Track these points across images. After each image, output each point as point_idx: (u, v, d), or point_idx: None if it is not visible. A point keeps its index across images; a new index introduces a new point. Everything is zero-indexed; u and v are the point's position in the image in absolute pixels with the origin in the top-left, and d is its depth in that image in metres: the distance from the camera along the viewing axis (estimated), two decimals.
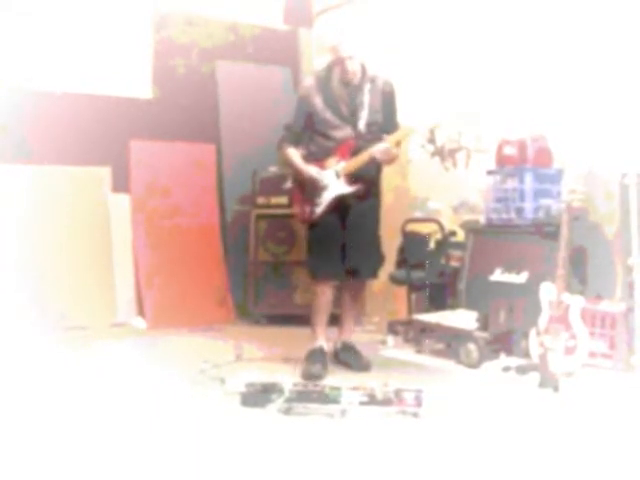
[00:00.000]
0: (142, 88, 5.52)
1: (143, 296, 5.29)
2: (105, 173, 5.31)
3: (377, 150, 3.62)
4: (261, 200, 5.39)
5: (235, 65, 5.94)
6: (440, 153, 4.57)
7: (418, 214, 5.06)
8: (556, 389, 3.26)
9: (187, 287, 5.38)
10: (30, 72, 5.02)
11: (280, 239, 5.31)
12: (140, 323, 5.21)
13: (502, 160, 4.35)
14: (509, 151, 4.31)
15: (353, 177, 3.70)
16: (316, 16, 6.20)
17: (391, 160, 3.73)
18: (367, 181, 3.75)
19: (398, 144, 3.72)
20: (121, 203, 5.36)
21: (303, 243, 5.19)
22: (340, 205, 3.74)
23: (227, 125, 5.85)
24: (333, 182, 3.70)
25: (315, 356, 3.74)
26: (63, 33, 5.12)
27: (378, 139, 3.68)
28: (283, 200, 5.28)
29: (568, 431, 2.77)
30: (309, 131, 3.80)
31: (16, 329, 4.60)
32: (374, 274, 3.96)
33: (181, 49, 5.70)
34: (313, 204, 3.74)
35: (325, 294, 3.81)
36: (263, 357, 3.98)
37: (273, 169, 5.40)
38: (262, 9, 6.08)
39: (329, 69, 3.74)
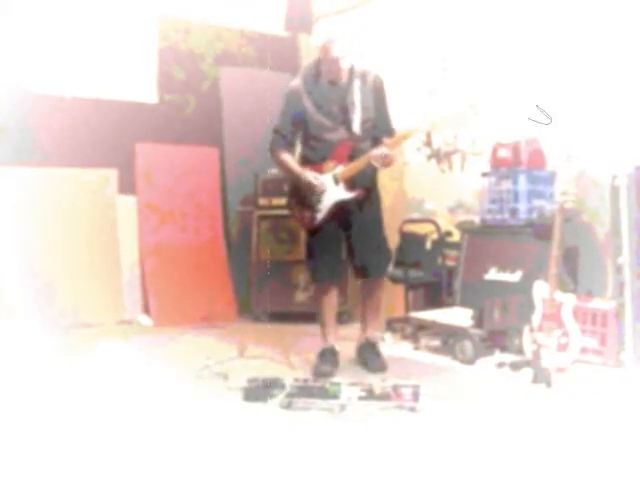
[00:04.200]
0: (148, 93, 5.52)
1: (149, 294, 5.29)
2: (112, 175, 5.31)
3: (374, 156, 3.45)
4: (263, 201, 5.39)
5: (238, 70, 5.94)
6: (436, 156, 4.58)
7: (415, 215, 5.06)
8: (549, 384, 3.26)
9: (191, 286, 5.38)
10: (40, 77, 5.02)
11: (281, 239, 5.31)
12: (146, 321, 5.21)
13: (496, 162, 4.35)
14: (503, 154, 4.31)
15: (352, 181, 3.55)
16: (316, 22, 6.20)
17: (388, 164, 3.53)
18: (366, 184, 3.62)
19: (397, 146, 3.57)
20: (127, 204, 5.36)
21: (303, 243, 5.22)
22: (340, 210, 3.60)
23: (230, 129, 5.85)
24: (332, 187, 3.55)
25: (326, 355, 3.68)
26: (72, 39, 5.12)
27: (372, 139, 3.54)
28: (284, 201, 5.26)
29: (560, 425, 2.77)
30: (301, 133, 3.64)
31: (24, 327, 4.60)
32: (382, 272, 3.86)
33: (185, 55, 5.70)
34: (313, 210, 3.60)
35: (328, 295, 3.75)
36: (265, 353, 3.97)
37: (274, 171, 5.39)
38: (263, 16, 6.08)
39: (315, 69, 3.54)
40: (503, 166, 4.29)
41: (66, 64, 5.12)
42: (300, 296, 5.25)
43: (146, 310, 5.30)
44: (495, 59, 4.65)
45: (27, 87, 4.97)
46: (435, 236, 4.75)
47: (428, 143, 4.22)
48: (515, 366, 3.58)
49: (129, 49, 5.41)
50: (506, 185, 4.21)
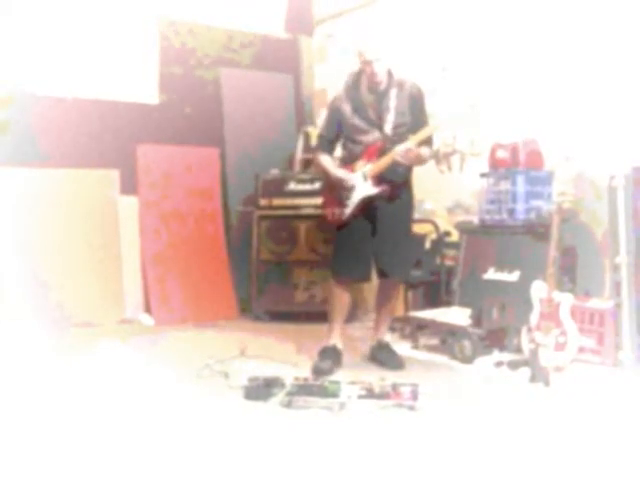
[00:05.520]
0: (149, 94, 5.52)
1: (150, 294, 5.29)
2: (114, 176, 5.31)
3: (397, 151, 3.51)
4: (263, 201, 5.38)
5: (238, 72, 5.94)
6: (435, 156, 4.57)
7: (414, 215, 5.05)
8: (547, 383, 3.26)
9: (192, 285, 5.39)
10: (41, 78, 5.03)
11: (281, 239, 5.31)
12: (147, 320, 5.22)
13: (495, 163, 4.35)
14: (502, 154, 4.32)
15: (381, 179, 3.61)
16: (316, 25, 6.20)
17: (415, 160, 3.59)
18: (395, 182, 3.65)
19: (425, 143, 3.60)
20: (129, 204, 5.36)
21: (304, 243, 5.23)
22: (368, 207, 3.65)
23: (231, 129, 5.85)
24: (360, 184, 3.62)
25: (327, 353, 3.71)
26: (73, 40, 5.12)
27: (405, 140, 3.57)
28: (285, 202, 5.28)
29: (558, 424, 2.77)
30: (342, 138, 3.77)
31: (25, 326, 4.60)
32: (400, 274, 3.86)
33: (186, 57, 5.70)
34: (342, 206, 3.67)
35: (344, 294, 3.75)
36: (265, 352, 3.97)
37: (275, 172, 5.40)
38: (264, 18, 6.08)
39: (357, 76, 3.69)
40: (501, 167, 4.30)
41: (67, 65, 5.12)
42: (300, 296, 5.25)
43: (147, 309, 5.30)
44: (494, 60, 4.65)
45: (29, 88, 4.97)
46: (434, 236, 4.75)
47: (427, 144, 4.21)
48: (513, 365, 3.58)
49: (130, 50, 5.41)
50: (504, 186, 4.21)
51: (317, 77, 6.21)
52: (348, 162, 3.72)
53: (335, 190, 3.72)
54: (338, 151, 3.89)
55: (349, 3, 5.73)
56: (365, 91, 3.66)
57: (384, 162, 3.58)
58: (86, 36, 5.17)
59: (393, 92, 3.61)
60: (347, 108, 3.67)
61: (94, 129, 5.22)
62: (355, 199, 3.65)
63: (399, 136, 3.60)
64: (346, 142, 3.77)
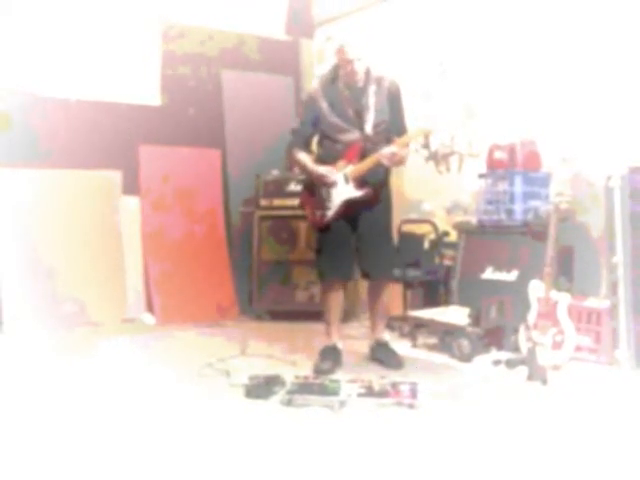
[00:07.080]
0: (151, 96, 5.52)
1: (152, 293, 5.30)
2: (116, 176, 5.32)
3: (383, 154, 3.46)
4: (264, 202, 5.39)
5: (239, 74, 5.94)
6: (434, 157, 4.57)
7: (413, 215, 5.06)
8: (544, 382, 3.26)
9: (194, 285, 5.38)
10: (45, 80, 5.03)
11: (282, 239, 5.31)
12: (149, 319, 5.22)
13: (493, 164, 4.35)
14: (499, 155, 4.32)
15: (362, 180, 3.55)
16: (316, 27, 6.20)
17: (398, 163, 3.57)
18: (376, 184, 3.61)
19: (406, 145, 3.57)
20: (131, 205, 5.36)
21: (304, 243, 5.23)
22: (350, 209, 3.59)
23: (232, 131, 5.85)
24: (342, 186, 3.56)
25: (328, 353, 3.70)
26: (76, 42, 5.13)
27: (386, 140, 3.53)
28: (285, 202, 5.28)
29: (555, 422, 2.77)
30: (317, 135, 3.68)
31: (29, 325, 4.61)
32: (387, 275, 3.84)
33: (188, 59, 5.71)
34: (324, 208, 3.61)
35: (337, 295, 3.74)
36: (266, 351, 3.98)
37: (275, 173, 5.40)
38: (265, 20, 6.08)
39: (333, 72, 3.60)
40: (499, 168, 4.29)
41: (71, 67, 5.13)
42: (300, 295, 5.25)
43: (149, 309, 5.30)
44: (491, 62, 4.65)
45: (32, 90, 4.97)
46: (433, 236, 4.75)
47: (426, 145, 4.21)
48: (511, 364, 3.58)
49: (132, 52, 5.41)
50: (502, 186, 4.21)
51: None
52: (327, 161, 3.61)
53: (316, 190, 3.64)
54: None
55: (349, 6, 5.73)
56: (342, 87, 3.56)
57: (367, 164, 3.52)
58: (88, 38, 5.18)
59: (371, 89, 3.54)
60: (324, 104, 3.56)
61: (96, 130, 5.23)
62: (337, 201, 3.59)
63: (379, 135, 3.55)
64: (323, 140, 3.67)
